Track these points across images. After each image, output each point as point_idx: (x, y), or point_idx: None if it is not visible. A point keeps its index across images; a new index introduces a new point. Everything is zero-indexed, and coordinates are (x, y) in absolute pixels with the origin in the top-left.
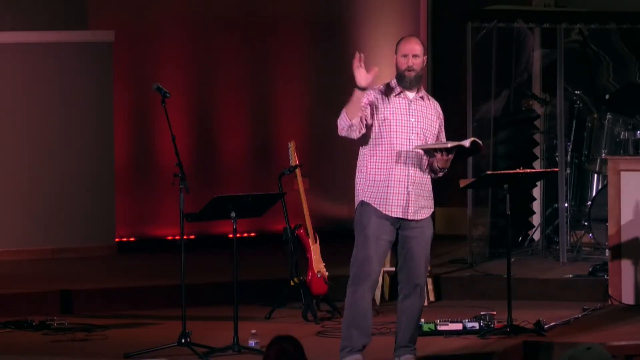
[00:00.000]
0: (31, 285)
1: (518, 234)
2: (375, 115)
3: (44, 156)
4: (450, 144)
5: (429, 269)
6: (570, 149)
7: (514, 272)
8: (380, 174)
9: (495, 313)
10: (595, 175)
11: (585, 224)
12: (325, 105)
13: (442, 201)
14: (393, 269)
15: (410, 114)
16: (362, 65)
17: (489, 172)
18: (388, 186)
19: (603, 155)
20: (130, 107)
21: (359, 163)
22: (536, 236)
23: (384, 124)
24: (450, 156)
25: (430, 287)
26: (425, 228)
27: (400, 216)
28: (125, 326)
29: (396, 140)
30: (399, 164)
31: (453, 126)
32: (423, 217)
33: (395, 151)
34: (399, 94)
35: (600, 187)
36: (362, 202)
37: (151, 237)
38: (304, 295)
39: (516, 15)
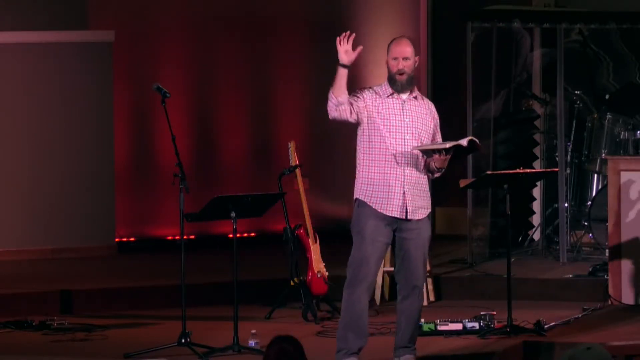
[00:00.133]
0: (31, 285)
1: (518, 234)
2: (369, 115)
3: (44, 156)
4: (448, 144)
5: (428, 269)
6: (570, 149)
7: (514, 272)
8: (377, 175)
9: (495, 313)
10: (595, 175)
11: (585, 224)
12: (325, 105)
13: (442, 201)
14: (392, 269)
15: (405, 114)
16: (348, 42)
17: (489, 172)
18: (384, 186)
19: (603, 155)
20: (130, 107)
21: (357, 163)
22: (536, 236)
23: (378, 125)
24: (448, 156)
25: (430, 287)
26: (423, 229)
27: (397, 216)
28: (125, 326)
29: (391, 141)
30: (395, 165)
31: (453, 126)
32: (420, 218)
33: (391, 151)
34: (392, 94)
35: (600, 187)
36: (359, 202)
37: (151, 237)
38: (304, 295)
39: (516, 16)
